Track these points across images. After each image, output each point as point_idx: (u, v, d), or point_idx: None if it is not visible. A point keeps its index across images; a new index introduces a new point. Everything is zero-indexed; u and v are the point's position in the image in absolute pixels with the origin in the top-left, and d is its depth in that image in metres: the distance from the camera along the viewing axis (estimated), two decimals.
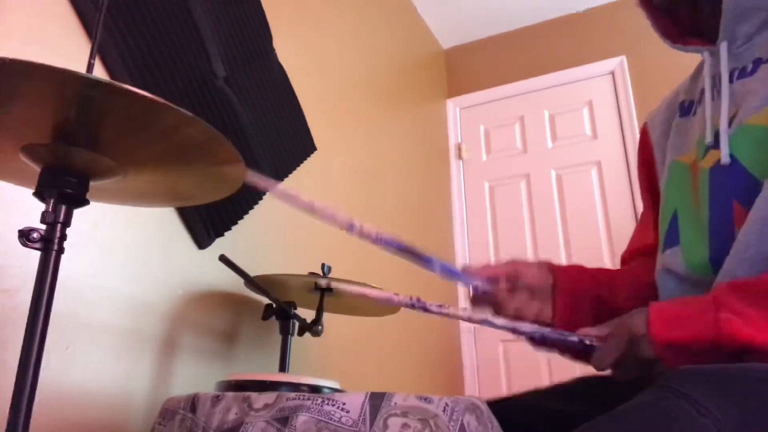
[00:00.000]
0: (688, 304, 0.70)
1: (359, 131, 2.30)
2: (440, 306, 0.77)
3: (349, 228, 0.78)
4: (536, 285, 0.88)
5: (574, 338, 0.75)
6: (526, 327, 0.78)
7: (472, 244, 3.08)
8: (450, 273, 0.88)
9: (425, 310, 0.76)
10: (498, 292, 0.87)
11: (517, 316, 0.86)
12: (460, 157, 3.25)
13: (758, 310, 0.64)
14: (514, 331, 0.79)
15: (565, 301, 0.89)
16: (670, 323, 0.67)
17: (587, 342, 0.75)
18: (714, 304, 0.66)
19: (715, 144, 0.79)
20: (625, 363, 0.72)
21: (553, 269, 0.92)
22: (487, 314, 0.80)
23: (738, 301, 0.66)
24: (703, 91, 0.87)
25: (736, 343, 0.63)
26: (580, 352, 0.77)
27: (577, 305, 0.89)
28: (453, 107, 3.37)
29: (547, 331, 0.78)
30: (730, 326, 0.64)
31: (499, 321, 0.79)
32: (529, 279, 0.88)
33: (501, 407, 0.85)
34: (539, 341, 0.80)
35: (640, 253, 0.98)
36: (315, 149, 1.88)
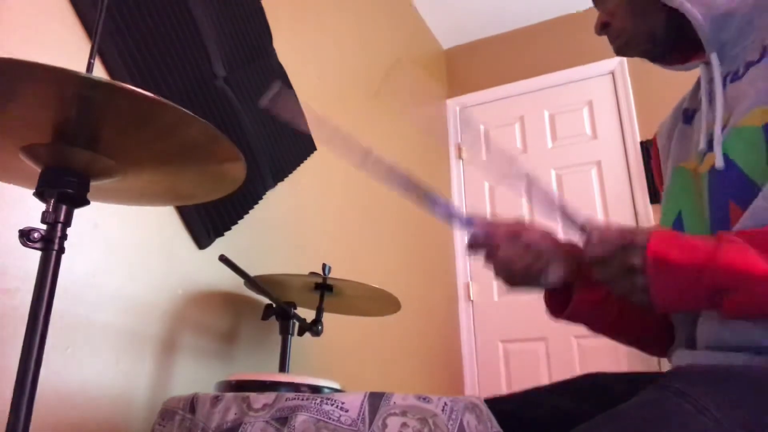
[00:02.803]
0: (694, 237, 0.70)
1: (359, 131, 2.30)
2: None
3: (364, 158, 0.79)
4: (536, 245, 0.88)
5: (579, 220, 0.77)
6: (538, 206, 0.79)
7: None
8: (452, 215, 0.88)
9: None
10: (495, 239, 0.87)
11: (506, 264, 0.86)
12: (460, 157, 3.25)
13: (760, 253, 0.64)
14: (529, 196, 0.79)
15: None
16: (671, 243, 0.67)
17: (585, 227, 0.75)
18: (719, 239, 0.66)
19: (709, 148, 0.81)
20: (610, 261, 0.71)
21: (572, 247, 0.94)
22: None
23: (743, 241, 0.65)
24: (701, 100, 0.89)
25: (729, 274, 0.62)
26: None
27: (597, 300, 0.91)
28: (453, 107, 3.37)
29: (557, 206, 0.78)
30: (729, 257, 0.63)
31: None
32: (530, 239, 0.88)
33: (500, 403, 0.85)
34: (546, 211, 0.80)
35: None
36: (315, 149, 1.88)
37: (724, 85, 0.83)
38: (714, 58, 0.84)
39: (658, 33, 0.89)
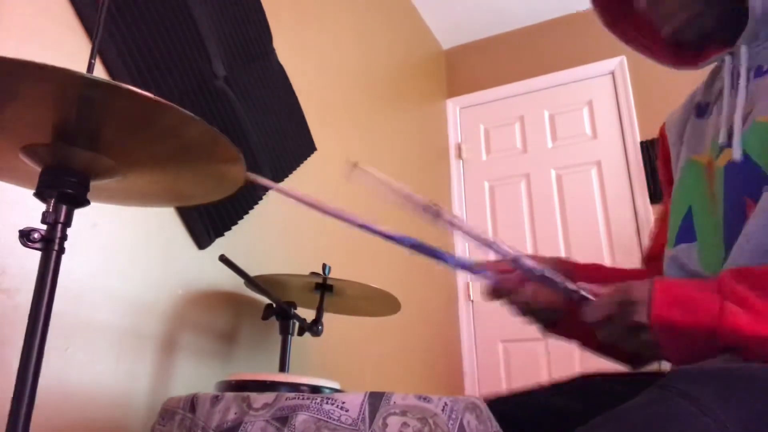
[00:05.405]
0: (694, 287, 0.68)
1: (359, 131, 2.30)
2: (453, 218, 0.78)
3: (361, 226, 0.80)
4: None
5: (572, 287, 0.75)
6: (528, 262, 0.78)
7: (472, 244, 3.08)
8: (464, 267, 0.91)
9: (437, 215, 0.77)
10: (510, 283, 0.88)
11: (533, 303, 0.88)
12: (460, 156, 3.25)
13: (764, 301, 0.64)
14: (515, 262, 0.78)
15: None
16: (674, 301, 0.66)
17: (583, 293, 0.74)
18: (721, 292, 0.65)
19: (729, 143, 0.80)
20: (613, 322, 0.70)
21: (567, 263, 0.94)
22: (493, 241, 0.79)
23: (745, 290, 0.65)
24: (720, 92, 0.87)
25: (738, 336, 0.63)
26: (573, 305, 0.76)
27: None
28: (453, 107, 3.37)
29: (547, 271, 0.77)
30: (734, 319, 0.63)
31: (504, 248, 0.78)
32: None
33: (499, 404, 0.85)
34: (538, 279, 0.80)
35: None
36: (315, 149, 1.88)
37: (748, 79, 0.81)
38: (744, 50, 0.82)
39: (726, 15, 0.85)
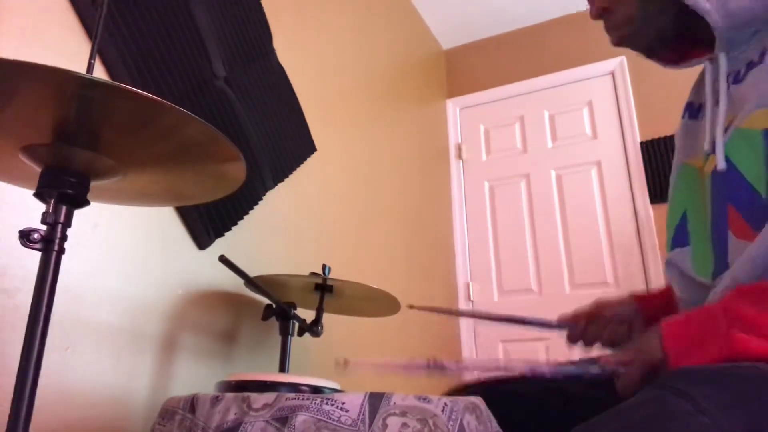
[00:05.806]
0: (700, 324, 0.71)
1: (359, 131, 2.30)
2: (458, 363, 0.84)
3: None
4: (619, 316, 0.99)
5: (596, 370, 0.77)
6: (545, 368, 0.79)
7: (472, 244, 3.08)
8: (544, 326, 1.04)
9: (442, 369, 0.80)
10: (580, 331, 1.01)
11: (612, 344, 0.97)
12: (460, 157, 3.25)
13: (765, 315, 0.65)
14: (533, 372, 0.81)
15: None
16: (686, 350, 0.69)
17: (608, 370, 0.77)
18: (726, 318, 0.67)
19: (713, 150, 0.81)
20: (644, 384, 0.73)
21: (636, 299, 1.01)
22: (500, 361, 0.85)
23: (749, 306, 0.67)
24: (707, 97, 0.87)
25: (751, 358, 0.64)
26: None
27: None
28: (453, 107, 3.37)
29: (568, 369, 0.79)
30: (743, 345, 0.65)
31: (518, 365, 0.84)
32: (610, 312, 0.99)
33: (498, 399, 0.86)
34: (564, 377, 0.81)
35: None
36: (315, 149, 1.88)
37: (727, 85, 0.82)
38: (722, 59, 0.82)
39: (668, 29, 0.87)
